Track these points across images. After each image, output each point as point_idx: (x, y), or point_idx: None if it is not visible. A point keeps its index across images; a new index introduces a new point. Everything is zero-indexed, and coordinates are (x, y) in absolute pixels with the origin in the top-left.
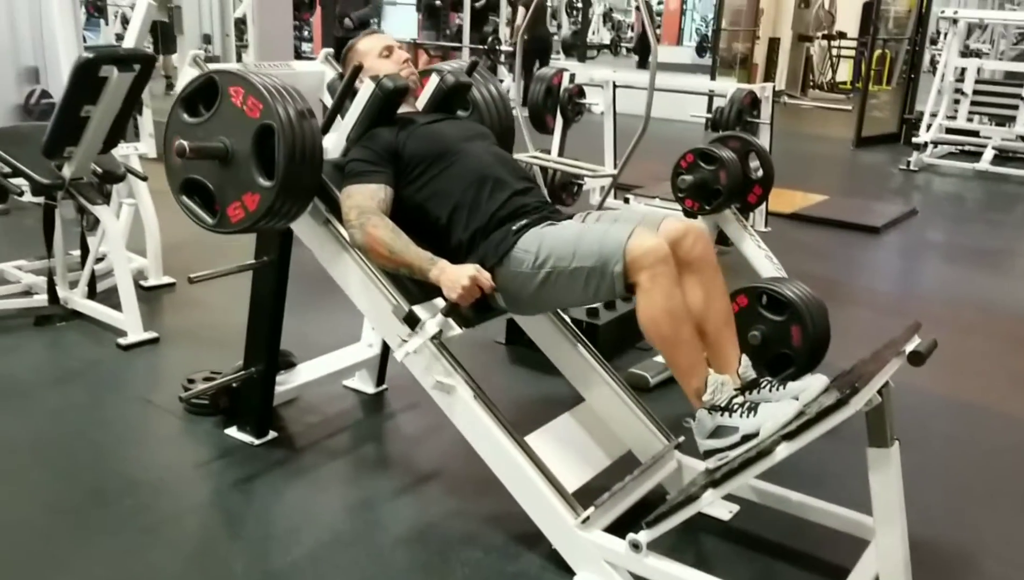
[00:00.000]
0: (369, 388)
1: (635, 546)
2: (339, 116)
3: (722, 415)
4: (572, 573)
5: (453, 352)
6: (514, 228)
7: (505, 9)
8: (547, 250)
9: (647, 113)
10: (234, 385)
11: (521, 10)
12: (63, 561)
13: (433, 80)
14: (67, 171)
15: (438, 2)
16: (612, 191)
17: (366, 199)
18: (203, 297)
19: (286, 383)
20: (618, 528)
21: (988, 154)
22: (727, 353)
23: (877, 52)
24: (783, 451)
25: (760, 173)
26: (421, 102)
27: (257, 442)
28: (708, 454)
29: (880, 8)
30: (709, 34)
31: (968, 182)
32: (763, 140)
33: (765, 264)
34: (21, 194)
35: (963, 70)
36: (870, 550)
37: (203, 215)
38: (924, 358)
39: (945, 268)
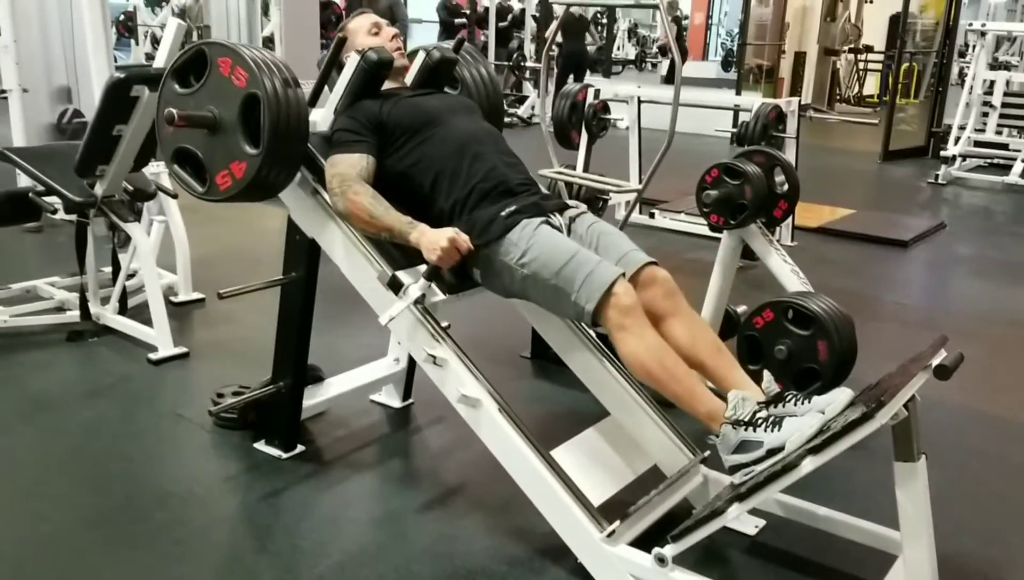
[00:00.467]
0: (395, 402)
1: (661, 560)
2: (327, 89)
3: (746, 430)
4: None
5: (476, 362)
6: (503, 213)
7: (530, 25)
8: (535, 253)
9: (672, 128)
10: (262, 399)
11: (554, 23)
12: (95, 573)
13: (420, 56)
14: (99, 189)
15: (457, 21)
16: (637, 206)
17: (348, 167)
18: (232, 313)
19: (314, 397)
20: (644, 542)
21: (1018, 167)
22: (731, 375)
23: (904, 65)
24: (809, 465)
25: (786, 188)
26: (409, 79)
27: (285, 456)
28: (734, 469)
29: (907, 21)
30: (735, 49)
31: (997, 195)
32: (789, 154)
33: (791, 278)
34: (54, 212)
35: (992, 82)
36: (897, 565)
37: (193, 184)
38: (950, 372)
39: (974, 282)
